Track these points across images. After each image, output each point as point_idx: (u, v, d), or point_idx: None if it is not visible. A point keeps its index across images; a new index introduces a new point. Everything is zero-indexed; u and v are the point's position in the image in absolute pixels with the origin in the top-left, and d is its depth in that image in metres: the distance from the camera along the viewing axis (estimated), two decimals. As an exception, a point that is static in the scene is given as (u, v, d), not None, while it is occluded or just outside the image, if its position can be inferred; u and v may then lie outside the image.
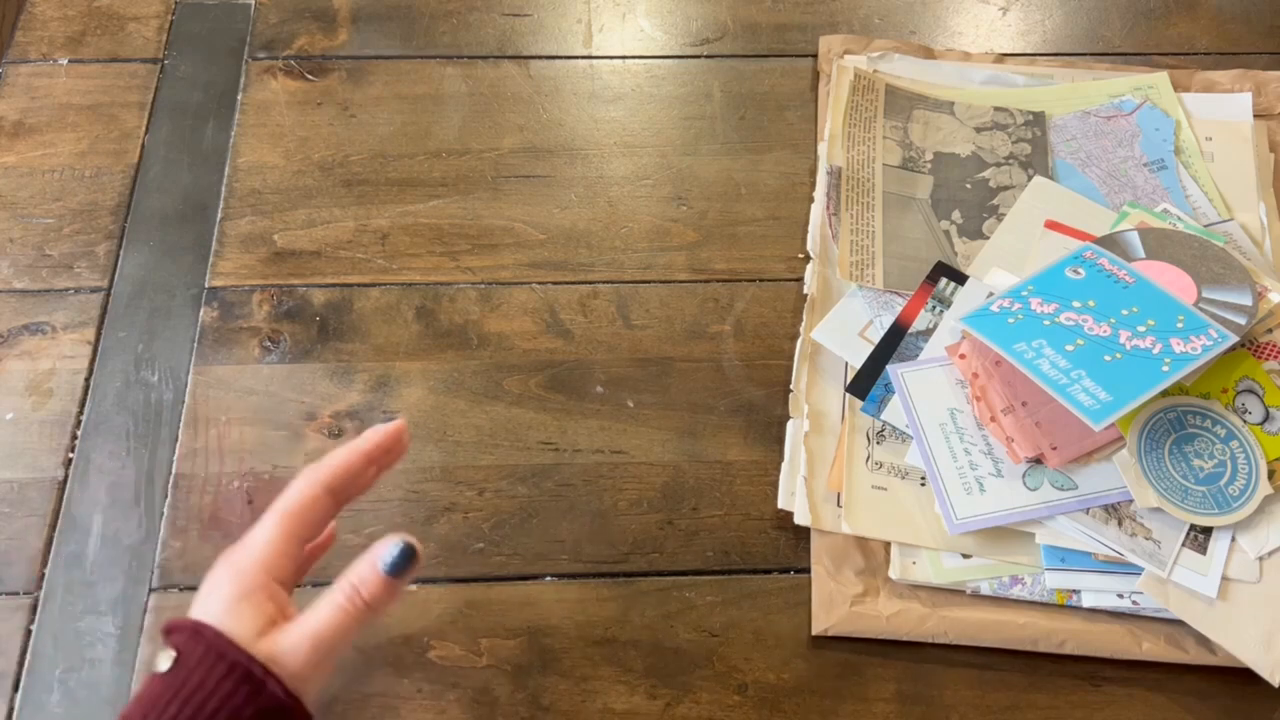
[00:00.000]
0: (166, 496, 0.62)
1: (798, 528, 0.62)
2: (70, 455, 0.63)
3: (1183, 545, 0.58)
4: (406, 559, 0.46)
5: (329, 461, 0.48)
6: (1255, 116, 0.76)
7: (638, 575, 0.61)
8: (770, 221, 0.73)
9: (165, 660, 0.43)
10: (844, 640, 0.59)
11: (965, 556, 0.60)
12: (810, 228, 0.72)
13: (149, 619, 0.59)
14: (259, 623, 0.44)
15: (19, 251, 0.70)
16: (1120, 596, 0.58)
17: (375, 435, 0.49)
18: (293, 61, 0.79)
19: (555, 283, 0.70)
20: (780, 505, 0.62)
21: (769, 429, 0.65)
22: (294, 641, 0.44)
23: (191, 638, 0.44)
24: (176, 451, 0.64)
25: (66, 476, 0.63)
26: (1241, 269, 0.65)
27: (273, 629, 0.45)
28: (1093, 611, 0.59)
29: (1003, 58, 0.80)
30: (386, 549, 0.46)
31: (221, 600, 0.45)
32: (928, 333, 0.66)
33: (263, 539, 0.46)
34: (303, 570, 0.53)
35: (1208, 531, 0.59)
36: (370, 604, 0.46)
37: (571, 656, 0.59)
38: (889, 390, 0.64)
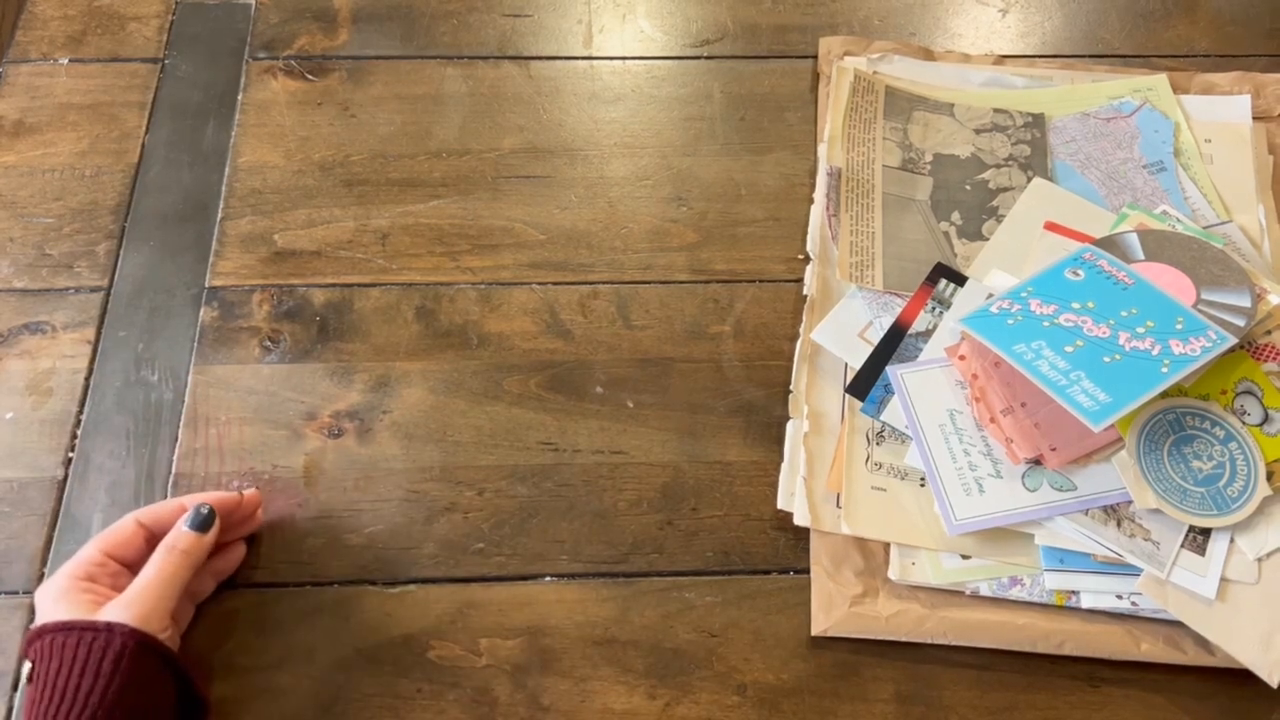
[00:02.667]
0: (166, 496, 0.62)
1: (797, 528, 0.62)
2: (70, 455, 0.63)
3: (1181, 546, 0.58)
4: (204, 517, 0.56)
5: (151, 507, 0.57)
6: (1254, 118, 0.76)
7: (638, 575, 0.61)
8: (770, 222, 0.73)
9: (26, 670, 0.50)
10: (843, 641, 0.59)
11: (964, 557, 0.60)
12: (810, 229, 0.72)
13: (149, 618, 0.59)
14: (82, 607, 0.51)
15: (19, 251, 0.70)
16: (1119, 597, 0.58)
17: (200, 502, 0.57)
18: (293, 61, 0.79)
19: (555, 283, 0.70)
20: (780, 506, 0.62)
21: (769, 429, 0.65)
22: (126, 598, 0.51)
23: (37, 638, 0.50)
24: (176, 451, 0.64)
25: (66, 476, 0.63)
26: (1240, 271, 0.65)
27: (98, 608, 0.51)
28: (1091, 612, 0.59)
29: (1002, 59, 0.80)
30: (190, 512, 0.56)
31: (44, 610, 0.52)
32: (927, 334, 0.66)
33: (74, 558, 0.54)
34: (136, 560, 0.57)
35: (1206, 533, 0.59)
36: (186, 552, 0.54)
37: (571, 656, 0.59)
38: (888, 391, 0.64)
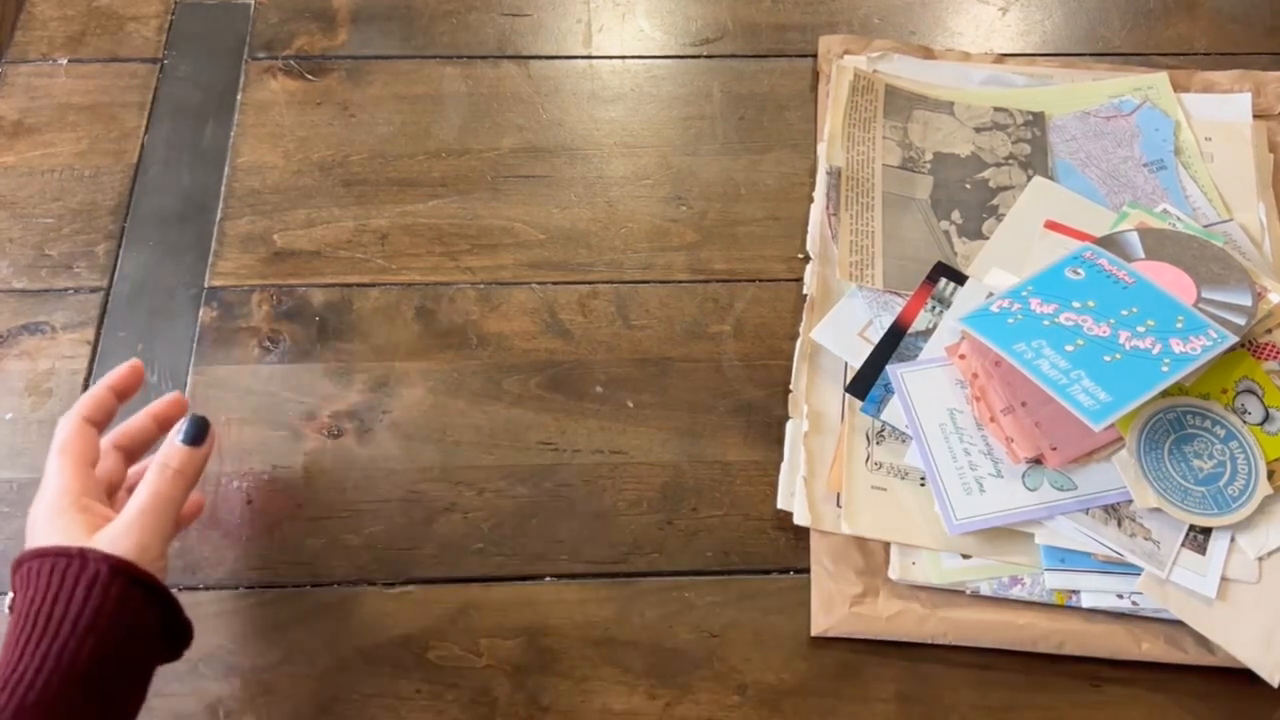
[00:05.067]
0: (166, 496, 0.62)
1: (797, 528, 0.62)
2: (70, 455, 0.63)
3: (1182, 545, 0.58)
4: (198, 428, 0.53)
5: (80, 399, 0.54)
6: (1254, 117, 0.76)
7: (637, 575, 0.61)
8: (770, 221, 0.73)
9: (7, 601, 0.48)
10: (844, 641, 0.59)
11: (965, 557, 0.60)
12: (810, 228, 0.72)
13: (149, 619, 0.59)
14: (78, 530, 0.49)
15: (19, 251, 0.70)
16: (1120, 597, 0.58)
17: (112, 372, 0.55)
18: (292, 61, 0.79)
19: (555, 283, 0.70)
20: (780, 505, 0.62)
21: (769, 429, 0.65)
22: (118, 524, 0.49)
23: (16, 569, 0.48)
24: (176, 451, 0.64)
25: (66, 476, 0.63)
26: (1241, 269, 0.65)
27: (96, 529, 0.49)
28: (1092, 612, 0.59)
29: (1002, 58, 0.80)
30: (181, 425, 0.53)
31: (37, 533, 0.49)
32: (927, 333, 0.66)
33: (54, 477, 0.51)
34: (114, 483, 0.55)
35: (1207, 532, 0.59)
36: (180, 470, 0.51)
37: (571, 656, 0.59)
38: (888, 390, 0.64)
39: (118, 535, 0.48)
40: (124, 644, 0.47)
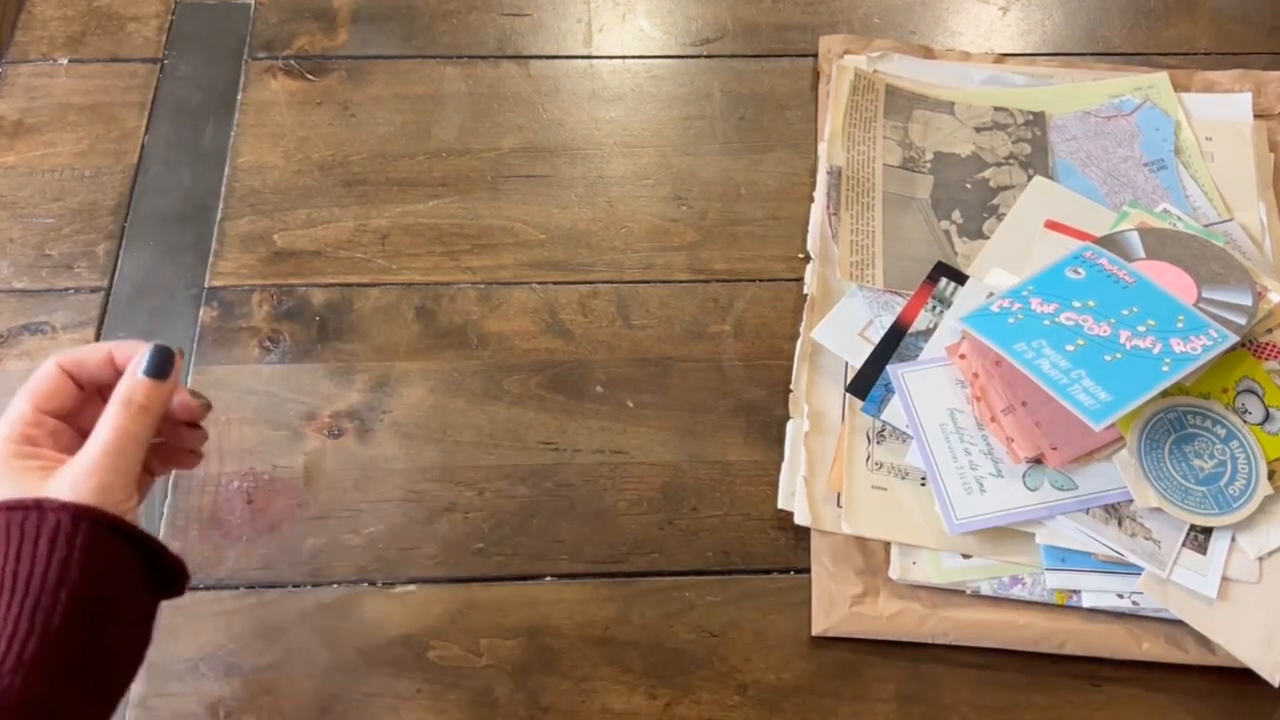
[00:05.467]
0: (166, 496, 0.62)
1: (798, 528, 0.62)
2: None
3: (1183, 545, 0.58)
4: (161, 357, 0.47)
5: (74, 350, 0.49)
6: (1255, 116, 0.76)
7: (638, 575, 0.61)
8: (770, 221, 0.73)
9: None
10: (844, 640, 0.59)
11: (965, 556, 0.60)
12: (810, 228, 0.72)
13: (149, 619, 0.59)
14: (29, 477, 0.44)
15: (19, 251, 0.70)
16: (1120, 596, 0.58)
17: (122, 343, 0.49)
18: (293, 61, 0.79)
19: (555, 283, 0.70)
20: (780, 505, 0.62)
21: (769, 429, 0.65)
22: (77, 467, 0.44)
23: None
24: (176, 451, 0.64)
25: (66, 476, 0.63)
26: (1241, 269, 0.65)
27: (50, 474, 0.44)
28: (1093, 612, 0.59)
29: (1003, 58, 0.80)
30: (141, 357, 0.47)
31: None
32: (928, 333, 0.66)
33: (5, 417, 0.46)
34: (70, 430, 0.49)
35: (1208, 532, 0.59)
36: (144, 406, 0.46)
37: (571, 656, 0.59)
38: (889, 390, 0.64)
39: (77, 479, 0.44)
40: (102, 592, 0.43)
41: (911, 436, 0.62)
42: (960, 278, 0.68)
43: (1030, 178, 0.72)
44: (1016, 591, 0.59)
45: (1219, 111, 0.76)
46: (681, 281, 0.71)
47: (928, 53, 0.79)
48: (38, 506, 0.42)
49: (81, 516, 0.43)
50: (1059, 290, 0.64)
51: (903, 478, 0.62)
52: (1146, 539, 0.58)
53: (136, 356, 0.47)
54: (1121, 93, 0.77)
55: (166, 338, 0.67)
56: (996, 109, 0.76)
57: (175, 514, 0.62)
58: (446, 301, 0.69)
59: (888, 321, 0.67)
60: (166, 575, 0.46)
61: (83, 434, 0.47)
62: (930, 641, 0.58)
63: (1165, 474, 0.59)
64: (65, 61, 0.78)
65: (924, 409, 0.63)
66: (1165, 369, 0.59)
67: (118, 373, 0.48)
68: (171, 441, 0.51)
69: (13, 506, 0.42)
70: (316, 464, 0.64)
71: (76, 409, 0.48)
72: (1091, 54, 0.81)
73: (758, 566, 0.62)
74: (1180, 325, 0.61)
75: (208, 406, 0.51)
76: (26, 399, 0.47)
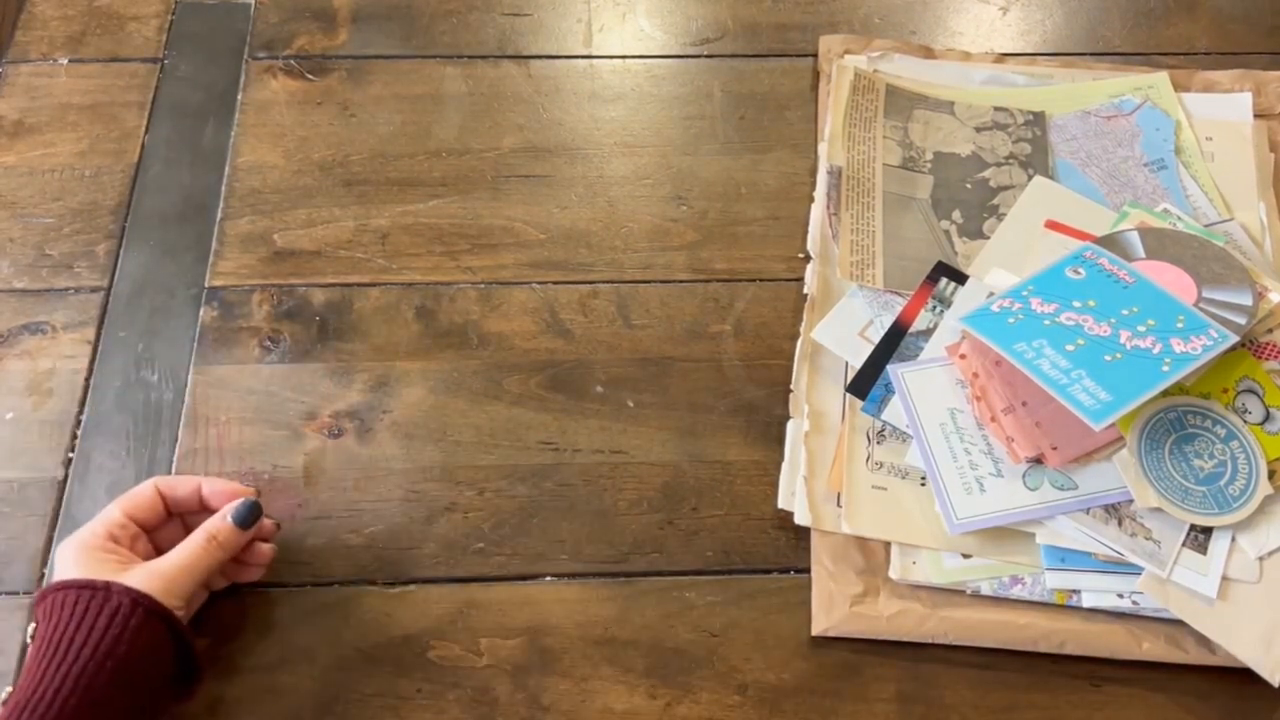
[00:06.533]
0: (166, 496, 0.62)
1: (798, 528, 0.62)
2: (70, 455, 0.63)
3: (1183, 545, 0.58)
4: (249, 512, 0.56)
5: (170, 478, 0.58)
6: (1255, 116, 0.76)
7: (638, 575, 0.61)
8: (770, 221, 0.73)
9: (30, 630, 0.51)
10: (844, 640, 0.59)
11: (965, 556, 0.60)
12: (810, 228, 0.72)
13: (149, 619, 0.59)
14: (106, 568, 0.52)
15: (19, 251, 0.70)
16: (1120, 596, 0.58)
17: (224, 485, 0.58)
18: (293, 61, 0.79)
19: (555, 283, 0.70)
20: (780, 505, 0.62)
21: (769, 429, 0.65)
22: (148, 568, 0.52)
23: (39, 601, 0.51)
24: (176, 451, 0.64)
25: (66, 476, 0.63)
26: (1241, 269, 0.65)
27: (124, 569, 0.52)
28: (1093, 611, 0.59)
29: (1003, 58, 0.80)
30: (235, 505, 0.56)
31: (64, 567, 0.52)
32: (928, 333, 0.66)
33: (93, 520, 0.55)
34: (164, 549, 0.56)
35: (1208, 531, 0.59)
36: (222, 545, 0.55)
37: (571, 656, 0.59)
38: (889, 390, 0.64)
39: (149, 576, 0.51)
40: (140, 674, 0.49)
41: (911, 436, 0.62)
42: (960, 278, 0.68)
43: (1030, 178, 0.72)
44: (1016, 591, 0.59)
45: (1219, 111, 0.76)
46: (682, 281, 0.71)
47: (928, 53, 0.79)
48: (106, 588, 0.50)
49: (139, 602, 0.50)
50: (1059, 290, 0.64)
51: (903, 478, 0.62)
52: (1146, 539, 0.58)
53: (232, 504, 0.56)
54: (1122, 93, 0.77)
55: (167, 338, 0.67)
56: (996, 109, 0.76)
57: (175, 514, 0.62)
58: (446, 301, 0.69)
59: (888, 321, 0.67)
60: (187, 674, 0.53)
61: (156, 548, 0.56)
62: (930, 641, 0.58)
63: (1165, 474, 0.59)
64: (65, 61, 0.78)
65: (924, 409, 0.63)
66: (1165, 369, 0.59)
67: (201, 504, 0.57)
68: (243, 558, 0.58)
69: (84, 585, 0.50)
70: (316, 464, 0.64)
71: (159, 525, 0.57)
72: (1091, 54, 0.81)
73: (758, 566, 0.62)
74: (1180, 325, 0.61)
75: (278, 526, 0.60)
76: (120, 506, 0.55)
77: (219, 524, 0.55)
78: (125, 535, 0.54)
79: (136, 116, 0.76)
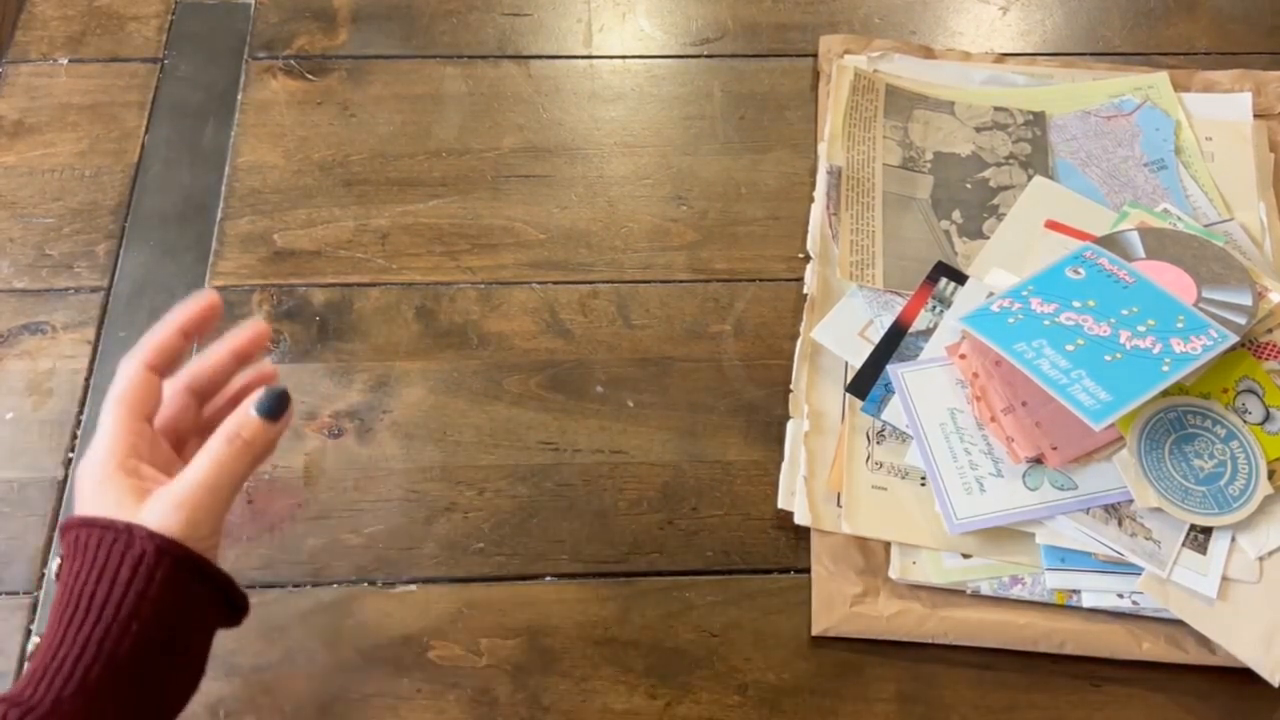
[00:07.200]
0: (166, 496, 0.62)
1: (798, 528, 0.62)
2: (70, 455, 0.63)
3: (1183, 545, 0.58)
4: (277, 400, 0.47)
5: (143, 342, 0.49)
6: (1255, 116, 0.76)
7: (638, 575, 0.61)
8: (770, 221, 0.73)
9: (55, 566, 0.45)
10: (844, 640, 0.59)
11: (965, 556, 0.60)
12: (810, 228, 0.72)
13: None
14: (126, 498, 0.45)
15: (19, 251, 0.70)
16: (1120, 596, 0.58)
17: (184, 308, 0.50)
18: (293, 61, 0.79)
19: (555, 283, 0.70)
20: (780, 505, 0.62)
21: (769, 429, 0.65)
22: (170, 496, 0.45)
23: (65, 533, 0.45)
24: (176, 451, 0.64)
25: (66, 476, 0.63)
26: (1241, 269, 0.65)
27: (145, 497, 0.45)
28: (1093, 611, 0.59)
29: (1003, 57, 0.80)
30: (258, 395, 0.48)
31: (84, 496, 0.46)
32: (928, 333, 0.66)
33: (103, 432, 0.47)
34: (178, 446, 0.51)
35: (1208, 531, 0.59)
36: (249, 443, 0.47)
37: (571, 656, 0.59)
38: (889, 390, 0.64)
39: (167, 509, 0.44)
40: (171, 627, 0.44)
41: (911, 436, 0.62)
42: (960, 278, 0.68)
43: (1030, 178, 0.72)
44: (1016, 591, 0.59)
45: (1219, 111, 0.76)
46: (682, 281, 0.71)
47: (928, 52, 0.79)
48: (128, 531, 0.43)
49: (166, 551, 0.43)
50: (1059, 290, 0.64)
51: (903, 478, 0.62)
52: (1146, 539, 0.58)
53: (253, 394, 0.48)
54: (1121, 93, 0.77)
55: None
56: (996, 109, 0.76)
57: (175, 514, 0.62)
58: (446, 301, 0.69)
59: (888, 321, 0.67)
60: (231, 609, 0.47)
61: (176, 438, 0.50)
62: (930, 641, 0.58)
63: (1165, 474, 0.59)
64: (65, 61, 0.78)
65: (924, 409, 0.63)
66: (1165, 369, 0.59)
67: (239, 364, 0.50)
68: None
69: (105, 526, 0.44)
70: (316, 464, 0.64)
71: (194, 424, 0.50)
72: (1091, 54, 0.81)
73: (758, 566, 0.62)
74: (1180, 325, 0.61)
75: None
76: (124, 409, 0.47)
77: (243, 418, 0.47)
78: (144, 444, 0.47)
79: (136, 116, 0.76)
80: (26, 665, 0.43)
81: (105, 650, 0.42)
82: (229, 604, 0.47)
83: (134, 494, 0.45)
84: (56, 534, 0.47)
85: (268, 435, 0.47)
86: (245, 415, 0.47)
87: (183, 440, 0.51)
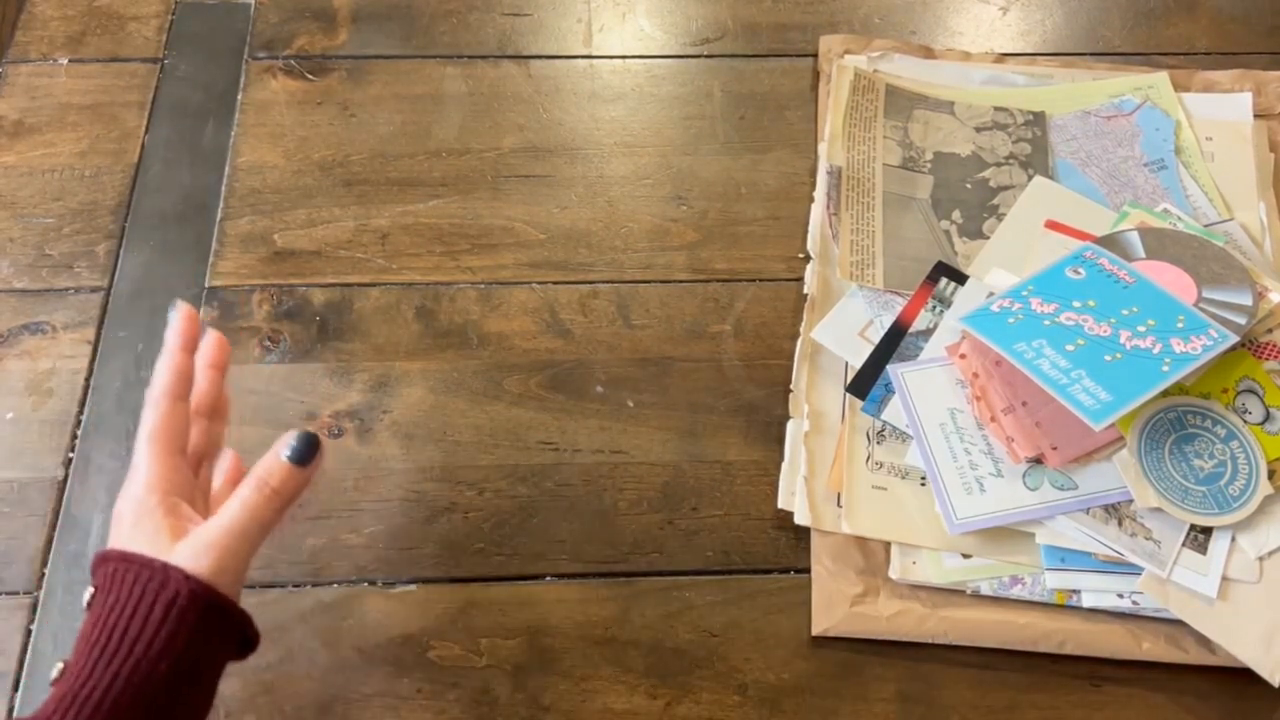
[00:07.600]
0: (166, 496, 0.62)
1: (798, 528, 0.62)
2: (70, 455, 0.63)
3: (1183, 545, 0.58)
4: (307, 446, 0.48)
5: (157, 375, 0.50)
6: (1255, 116, 0.76)
7: (638, 575, 0.61)
8: (770, 221, 0.73)
9: (88, 595, 0.46)
10: (844, 640, 0.59)
11: (965, 556, 0.60)
12: (810, 228, 0.72)
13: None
14: (162, 536, 0.46)
15: (19, 251, 0.70)
16: (1120, 596, 0.58)
17: (175, 330, 0.51)
18: (293, 61, 0.79)
19: (555, 283, 0.70)
20: (780, 505, 0.62)
21: (769, 429, 0.65)
22: (203, 538, 0.46)
23: (100, 565, 0.46)
24: (176, 451, 0.64)
25: (66, 476, 0.63)
26: (1241, 269, 0.65)
27: (180, 536, 0.46)
28: (1093, 611, 0.59)
29: (1003, 57, 0.80)
30: (289, 439, 0.48)
31: (123, 530, 0.47)
32: (928, 333, 0.66)
33: (141, 466, 0.48)
34: (196, 469, 0.53)
35: (1208, 531, 0.59)
36: (278, 490, 0.48)
37: (571, 656, 0.59)
38: (889, 390, 0.64)
39: (199, 551, 0.46)
40: (195, 667, 0.46)
41: (911, 436, 0.62)
42: (960, 278, 0.68)
43: (1030, 178, 0.72)
44: (1016, 591, 0.59)
45: (1219, 111, 0.76)
46: (681, 281, 0.71)
47: (928, 52, 0.79)
48: (164, 571, 0.45)
49: (199, 595, 0.45)
50: (1059, 290, 0.64)
51: (903, 478, 0.62)
52: (1146, 539, 0.58)
53: (284, 438, 0.48)
54: (1121, 93, 0.77)
55: (166, 338, 0.67)
56: (996, 109, 0.76)
57: (175, 514, 0.62)
58: (446, 301, 0.69)
59: (888, 321, 0.67)
60: (244, 644, 0.49)
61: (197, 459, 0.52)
62: (930, 641, 0.58)
63: (1165, 474, 0.59)
64: (65, 61, 0.78)
65: (924, 409, 0.63)
66: (1165, 369, 0.59)
67: (221, 375, 0.53)
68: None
69: (142, 564, 0.45)
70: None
71: (206, 447, 0.52)
72: (1091, 54, 0.81)
73: (758, 566, 0.62)
74: (1180, 325, 0.61)
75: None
76: (159, 446, 0.48)
77: (273, 464, 0.48)
78: (180, 477, 0.48)
79: (136, 116, 0.76)
80: (50, 689, 0.44)
81: (134, 684, 0.43)
82: (243, 642, 0.49)
83: (171, 532, 0.46)
84: (90, 563, 0.47)
85: (297, 480, 0.48)
86: (275, 461, 0.48)
87: (200, 463, 0.53)
